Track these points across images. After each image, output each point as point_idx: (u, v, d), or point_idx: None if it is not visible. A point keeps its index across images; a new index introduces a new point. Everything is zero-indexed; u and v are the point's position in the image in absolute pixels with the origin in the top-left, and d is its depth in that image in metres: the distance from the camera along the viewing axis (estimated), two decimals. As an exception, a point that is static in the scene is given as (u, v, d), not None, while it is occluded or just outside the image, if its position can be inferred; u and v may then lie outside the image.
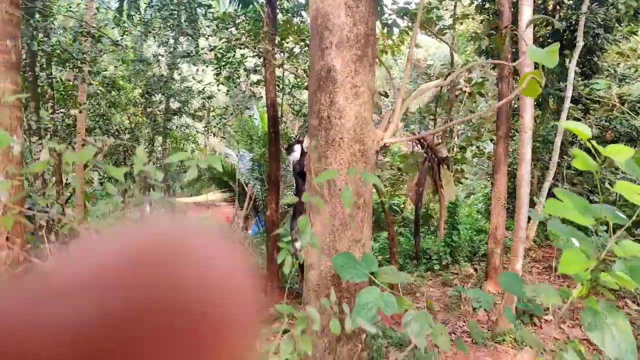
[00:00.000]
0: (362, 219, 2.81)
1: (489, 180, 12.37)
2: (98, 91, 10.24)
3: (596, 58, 9.30)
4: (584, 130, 1.70)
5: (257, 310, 0.27)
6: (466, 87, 9.08)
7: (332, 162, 2.70)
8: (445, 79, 4.59)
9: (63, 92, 10.31)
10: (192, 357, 0.24)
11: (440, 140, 7.77)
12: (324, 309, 2.84)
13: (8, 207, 2.53)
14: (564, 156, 9.54)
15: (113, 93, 10.46)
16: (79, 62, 8.75)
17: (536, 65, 3.00)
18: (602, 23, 8.87)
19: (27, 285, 0.24)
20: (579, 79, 9.64)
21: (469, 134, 9.41)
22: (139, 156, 1.42)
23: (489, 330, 7.53)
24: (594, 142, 1.72)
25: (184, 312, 0.24)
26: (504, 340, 7.26)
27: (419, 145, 7.36)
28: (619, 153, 1.59)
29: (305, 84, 7.66)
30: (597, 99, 8.89)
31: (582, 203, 1.79)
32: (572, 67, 8.21)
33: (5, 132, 1.45)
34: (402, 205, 11.87)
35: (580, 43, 7.92)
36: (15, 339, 0.22)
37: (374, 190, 8.92)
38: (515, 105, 9.41)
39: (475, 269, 9.58)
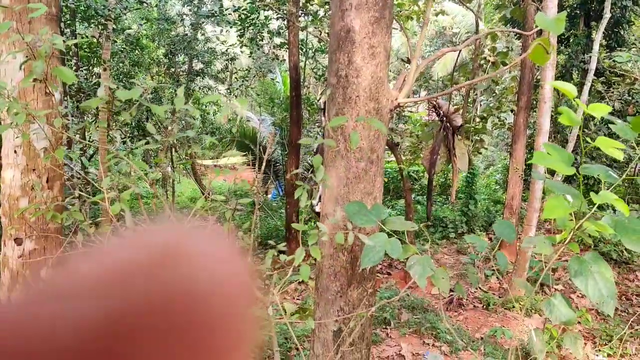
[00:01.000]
0: (374, 173, 3.08)
1: (508, 152, 12.50)
2: (122, 49, 10.51)
3: (623, 31, 9.30)
4: (569, 89, 1.94)
5: (254, 318, 0.28)
6: (490, 56, 9.17)
7: (349, 119, 2.96)
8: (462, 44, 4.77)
9: (87, 50, 10.58)
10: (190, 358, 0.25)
11: (455, 109, 7.94)
12: (336, 253, 3.15)
13: (55, 145, 2.86)
14: (585, 129, 9.63)
15: (136, 52, 10.72)
16: (103, 19, 8.98)
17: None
18: (631, -6, 8.86)
19: (33, 288, 0.26)
20: (604, 51, 9.64)
21: (490, 105, 9.53)
22: (179, 97, 1.68)
23: (500, 297, 7.82)
24: (578, 100, 1.96)
25: (183, 317, 0.25)
26: (513, 307, 7.55)
27: (435, 113, 7.57)
28: (597, 110, 1.82)
29: (328, 47, 7.84)
30: (620, 72, 8.93)
31: (568, 155, 2.03)
32: (598, 39, 8.24)
33: (65, 68, 1.74)
34: (421, 174, 12.09)
35: (607, 14, 7.94)
36: (18, 339, 0.23)
37: (394, 158, 9.14)
38: (538, 77, 9.48)
39: (490, 239, 9.82)
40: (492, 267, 8.59)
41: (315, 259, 2.51)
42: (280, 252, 2.18)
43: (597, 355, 6.56)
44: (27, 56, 3.22)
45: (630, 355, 6.56)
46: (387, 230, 2.77)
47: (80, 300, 0.24)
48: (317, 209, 5.74)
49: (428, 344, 6.78)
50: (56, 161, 2.95)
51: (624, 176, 2.42)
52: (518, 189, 8.43)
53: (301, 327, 6.60)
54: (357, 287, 3.16)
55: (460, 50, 7.18)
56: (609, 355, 6.55)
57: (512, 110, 8.98)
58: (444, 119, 7.01)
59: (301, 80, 9.15)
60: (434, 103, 7.02)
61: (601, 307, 2.24)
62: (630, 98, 8.87)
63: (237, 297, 0.28)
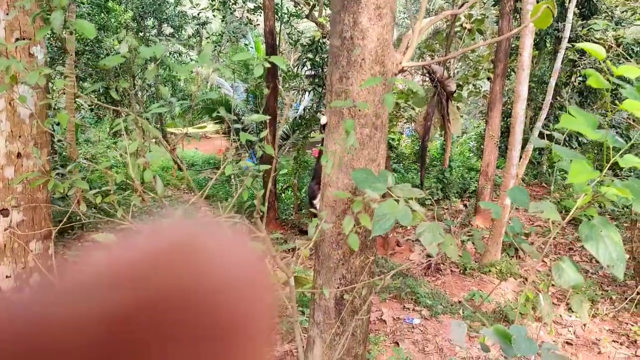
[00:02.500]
0: (378, 139, 3.00)
1: (482, 119, 12.61)
2: (88, 12, 10.02)
3: (595, -1, 9.41)
4: (598, 50, 1.88)
5: (272, 310, 0.29)
6: (466, 23, 9.12)
7: (353, 83, 2.85)
8: (460, 7, 4.69)
9: (49, 12, 10.06)
10: (211, 352, 0.25)
11: (449, 75, 7.90)
12: (339, 221, 3.08)
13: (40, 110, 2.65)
14: (557, 97, 9.75)
15: (102, 15, 10.25)
16: (67, -20, 8.50)
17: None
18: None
19: (51, 282, 0.26)
20: (578, 19, 9.72)
21: (467, 72, 9.53)
22: (205, 52, 1.55)
23: (475, 262, 7.96)
24: (609, 62, 1.91)
25: (202, 310, 0.25)
26: (489, 271, 7.71)
27: (428, 79, 7.52)
28: (631, 72, 1.77)
29: (305, 12, 7.63)
30: (594, 40, 9.03)
31: (593, 119, 2.00)
32: (572, 7, 8.27)
33: (84, 21, 1.58)
34: (397, 142, 12.09)
35: (582, -18, 7.94)
36: (38, 334, 0.23)
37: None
38: (513, 44, 9.50)
39: (465, 205, 9.97)
40: (468, 232, 8.73)
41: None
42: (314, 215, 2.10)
43: (570, 316, 6.78)
44: (7, 12, 2.99)
45: (601, 315, 6.80)
46: (395, 197, 2.71)
47: (95, 295, 0.24)
48: (317, 205, 5.73)
49: (408, 308, 6.87)
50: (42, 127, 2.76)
51: (632, 141, 2.41)
52: (493, 156, 8.52)
53: (284, 294, 6.57)
54: (360, 255, 3.12)
55: (456, 14, 7.10)
56: (581, 316, 6.78)
57: (488, 78, 9.00)
58: (438, 84, 6.97)
59: (277, 46, 8.93)
60: (428, 68, 6.96)
61: (611, 269, 2.25)
62: (601, 65, 8.97)
63: (255, 292, 0.28)
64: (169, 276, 0.25)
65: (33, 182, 2.72)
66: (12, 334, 0.24)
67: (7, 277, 2.70)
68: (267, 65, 1.60)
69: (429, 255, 8.09)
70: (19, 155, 2.84)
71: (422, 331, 6.38)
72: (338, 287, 3.08)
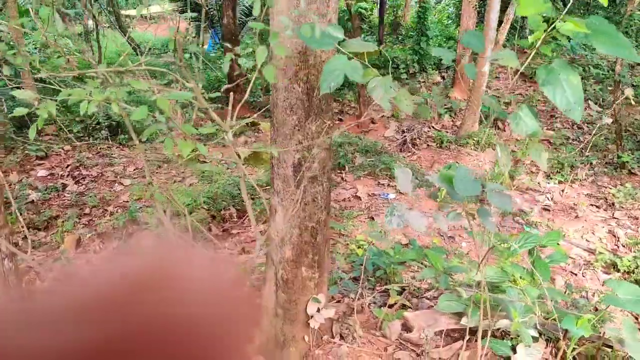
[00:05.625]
0: (328, -9, 2.90)
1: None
2: None
3: None
4: None
5: (251, 336, 0.29)
6: None
7: None
8: None
9: None
10: None
11: None
12: (291, 85, 3.06)
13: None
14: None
15: None
16: None
17: None
18: None
19: (18, 308, 0.26)
20: None
21: None
22: None
23: (453, 135, 8.09)
24: None
25: (176, 342, 0.25)
26: (467, 143, 7.85)
27: None
28: None
29: None
30: None
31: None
32: None
33: None
34: (370, 12, 11.71)
35: None
36: None
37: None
38: None
39: (443, 77, 9.92)
40: (445, 105, 8.78)
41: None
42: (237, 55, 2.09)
43: (548, 183, 7.03)
44: None
45: (580, 180, 7.05)
46: (346, 53, 2.68)
47: (62, 327, 0.24)
48: None
49: (383, 184, 7.06)
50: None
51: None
52: (472, 22, 8.35)
53: (254, 178, 6.72)
54: (316, 120, 3.13)
55: None
56: (560, 182, 7.03)
57: None
58: None
59: None
60: None
61: (568, 114, 2.30)
62: None
63: (234, 324, 0.28)
64: (133, 310, 0.25)
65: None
66: None
67: None
68: None
69: (403, 131, 8.19)
70: None
71: (397, 206, 6.59)
72: (295, 153, 3.12)
